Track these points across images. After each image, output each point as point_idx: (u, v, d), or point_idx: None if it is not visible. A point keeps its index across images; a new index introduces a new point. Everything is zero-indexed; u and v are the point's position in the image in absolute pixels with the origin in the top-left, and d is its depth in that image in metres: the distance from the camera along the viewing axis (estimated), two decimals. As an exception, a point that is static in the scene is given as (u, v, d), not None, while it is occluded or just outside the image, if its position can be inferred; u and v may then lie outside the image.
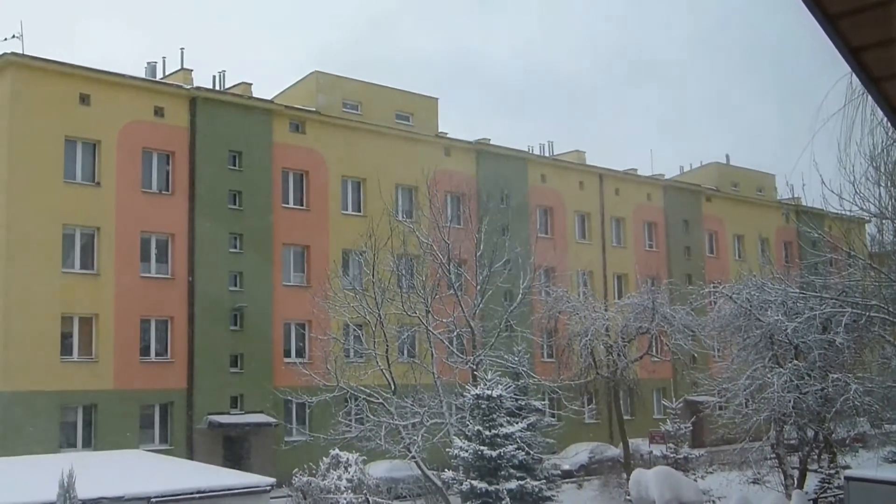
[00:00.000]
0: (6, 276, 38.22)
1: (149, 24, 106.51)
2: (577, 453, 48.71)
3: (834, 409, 32.45)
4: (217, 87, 46.96)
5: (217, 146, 44.11)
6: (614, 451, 48.74)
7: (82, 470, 22.09)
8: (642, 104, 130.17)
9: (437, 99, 54.68)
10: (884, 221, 26.47)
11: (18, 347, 37.89)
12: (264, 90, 51.47)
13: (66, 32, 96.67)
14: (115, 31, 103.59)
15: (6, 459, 31.23)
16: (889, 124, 12.24)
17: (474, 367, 37.79)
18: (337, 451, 34.79)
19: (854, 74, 5.84)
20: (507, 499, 31.74)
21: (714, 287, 41.91)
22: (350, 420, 39.82)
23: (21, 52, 39.47)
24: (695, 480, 36.55)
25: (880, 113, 11.95)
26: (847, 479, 32.11)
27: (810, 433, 35.87)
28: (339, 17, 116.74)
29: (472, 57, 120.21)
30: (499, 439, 32.55)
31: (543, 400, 43.07)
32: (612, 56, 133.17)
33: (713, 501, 36.10)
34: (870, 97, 9.44)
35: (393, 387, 37.09)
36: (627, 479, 34.72)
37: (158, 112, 42.95)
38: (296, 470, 35.26)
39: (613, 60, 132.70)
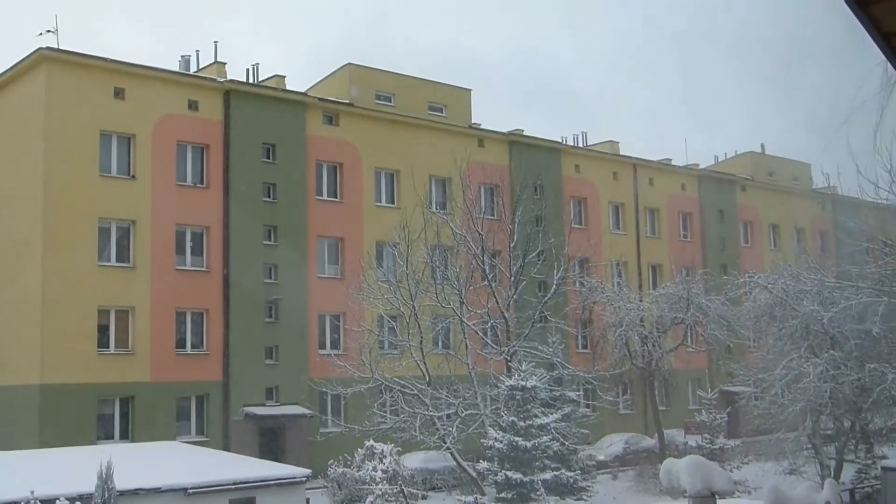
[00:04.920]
0: (43, 269, 38.53)
1: (180, 17, 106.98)
2: (612, 444, 48.62)
3: (871, 400, 32.29)
4: (250, 81, 47.07)
5: (251, 139, 44.23)
6: (649, 442, 48.64)
7: (120, 462, 22.27)
8: (674, 93, 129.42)
9: (470, 90, 54.59)
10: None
11: (56, 340, 38.18)
12: (296, 83, 51.60)
13: (99, 27, 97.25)
14: (147, 25, 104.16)
15: (45, 451, 31.55)
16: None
17: (509, 357, 37.84)
18: (372, 442, 34.97)
19: (888, 61, 5.77)
20: (542, 489, 31.77)
21: (749, 277, 41.67)
22: (385, 411, 39.95)
23: (56, 46, 39.72)
24: (730, 471, 36.41)
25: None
26: (884, 469, 31.90)
27: (847, 423, 35.65)
28: (349, 13, 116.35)
29: (493, 49, 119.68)
30: (533, 430, 32.59)
31: (578, 391, 42.99)
32: (639, 44, 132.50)
33: (749, 492, 35.97)
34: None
35: (427, 378, 37.18)
36: (663, 470, 34.63)
37: (193, 105, 43.12)
38: (331, 461, 35.46)
39: (640, 49, 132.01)
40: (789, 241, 67.37)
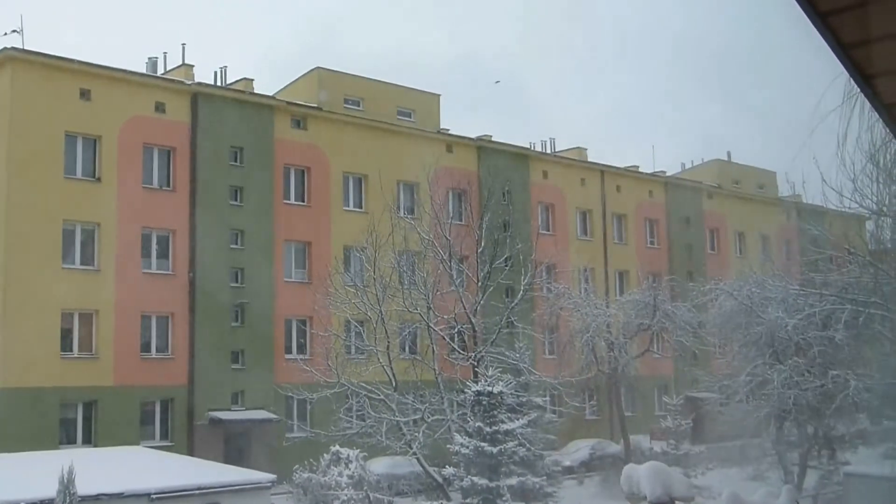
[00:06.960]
0: (6, 272, 38.15)
1: (148, 19, 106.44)
2: (578, 450, 48.70)
3: (834, 406, 32.58)
4: (218, 83, 46.87)
5: (218, 142, 44.04)
6: (615, 448, 48.75)
7: (82, 466, 22.12)
8: (638, 100, 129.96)
9: (439, 95, 54.61)
10: (882, 219, 26.53)
11: (18, 344, 37.82)
12: (263, 86, 51.43)
13: (66, 28, 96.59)
14: (115, 26, 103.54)
15: (6, 456, 31.21)
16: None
17: (475, 363, 37.81)
18: (338, 447, 34.84)
19: (847, 72, 5.80)
20: (508, 495, 31.76)
21: (715, 284, 41.93)
22: (351, 416, 39.86)
23: (21, 47, 39.40)
24: (695, 477, 36.59)
25: (877, 110, 11.90)
26: (846, 475, 32.18)
27: (810, 429, 35.91)
28: (308, 17, 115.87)
29: (453, 54, 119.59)
30: (500, 436, 32.56)
31: (545, 396, 43.06)
32: (604, 52, 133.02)
33: (713, 497, 36.12)
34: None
35: (394, 383, 37.13)
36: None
37: (160, 108, 42.88)
38: (297, 466, 35.35)
39: (606, 56, 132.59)
40: (755, 249, 67.72)
